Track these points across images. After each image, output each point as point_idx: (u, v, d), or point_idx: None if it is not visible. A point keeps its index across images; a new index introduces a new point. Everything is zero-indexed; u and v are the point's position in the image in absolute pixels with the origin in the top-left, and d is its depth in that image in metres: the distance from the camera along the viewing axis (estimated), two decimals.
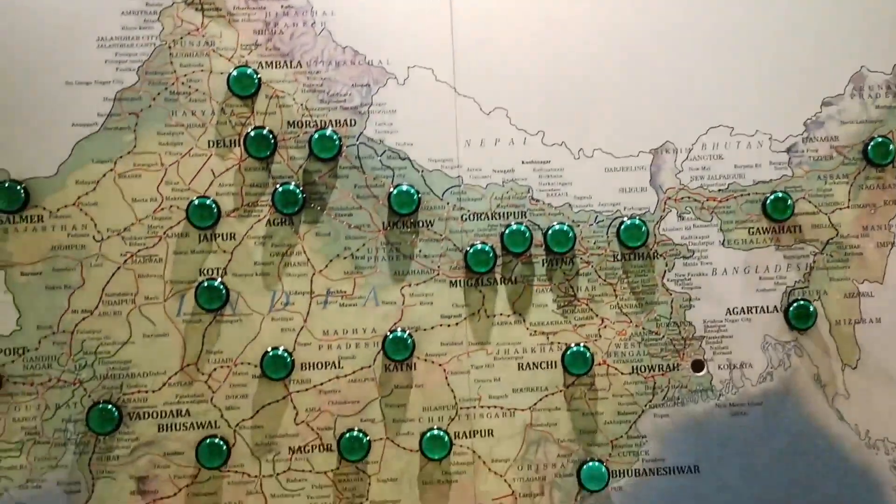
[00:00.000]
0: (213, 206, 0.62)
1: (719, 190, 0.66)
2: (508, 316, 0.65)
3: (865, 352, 0.66)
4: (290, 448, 0.63)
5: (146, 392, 0.62)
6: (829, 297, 0.66)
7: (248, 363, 0.63)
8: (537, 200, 0.65)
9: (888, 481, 0.66)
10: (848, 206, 0.67)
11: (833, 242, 0.67)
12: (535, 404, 0.65)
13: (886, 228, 0.67)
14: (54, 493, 0.61)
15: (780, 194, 0.66)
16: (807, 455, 0.65)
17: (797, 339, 0.66)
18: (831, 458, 0.66)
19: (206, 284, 0.62)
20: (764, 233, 0.67)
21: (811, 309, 0.65)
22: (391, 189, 0.64)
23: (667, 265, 0.66)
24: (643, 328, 0.65)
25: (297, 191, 0.63)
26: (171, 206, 0.63)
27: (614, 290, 0.65)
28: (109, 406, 0.61)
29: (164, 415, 0.62)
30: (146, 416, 0.62)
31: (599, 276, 0.65)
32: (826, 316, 0.66)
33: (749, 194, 0.67)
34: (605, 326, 0.65)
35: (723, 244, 0.66)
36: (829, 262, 0.67)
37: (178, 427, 0.62)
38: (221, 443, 0.61)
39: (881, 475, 0.66)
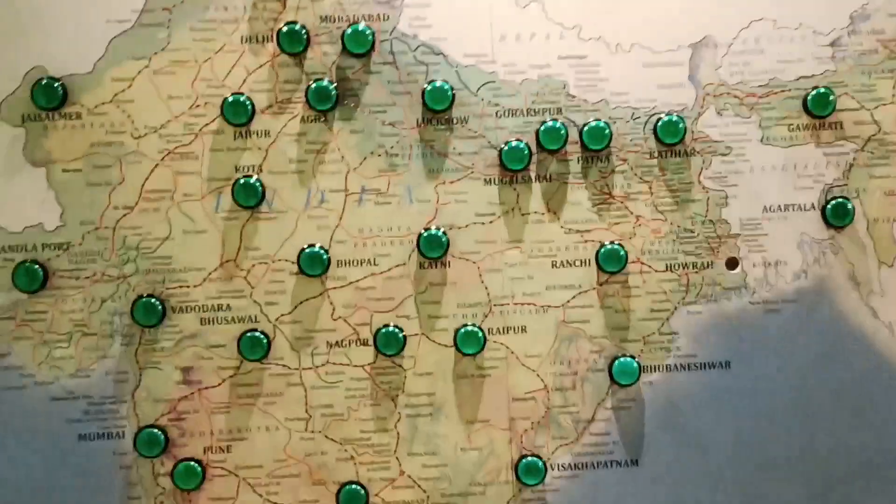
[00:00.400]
0: (248, 102, 0.62)
1: (759, 86, 0.65)
2: (543, 214, 0.65)
3: None
4: (327, 342, 0.64)
5: (188, 287, 0.63)
6: (868, 194, 0.66)
7: (286, 260, 0.64)
8: (573, 96, 0.64)
9: None
10: (892, 102, 0.65)
11: (874, 139, 0.65)
12: (569, 301, 0.65)
13: None
14: (103, 382, 0.63)
15: (823, 90, 0.64)
16: (839, 352, 0.66)
17: (834, 238, 0.66)
18: (864, 356, 0.66)
19: (242, 182, 0.62)
20: (804, 129, 0.65)
21: (849, 206, 0.65)
22: (425, 85, 0.63)
23: (704, 162, 0.65)
24: (678, 226, 0.65)
25: (331, 87, 0.62)
26: (205, 104, 0.63)
27: (650, 188, 0.65)
28: (153, 300, 0.62)
29: (205, 309, 0.63)
30: (189, 310, 0.63)
31: (635, 174, 0.65)
32: (864, 214, 0.66)
33: (790, 90, 0.65)
34: (639, 224, 0.65)
35: (761, 141, 0.65)
36: (870, 159, 0.65)
37: (219, 321, 0.64)
38: (262, 336, 0.63)
39: None
